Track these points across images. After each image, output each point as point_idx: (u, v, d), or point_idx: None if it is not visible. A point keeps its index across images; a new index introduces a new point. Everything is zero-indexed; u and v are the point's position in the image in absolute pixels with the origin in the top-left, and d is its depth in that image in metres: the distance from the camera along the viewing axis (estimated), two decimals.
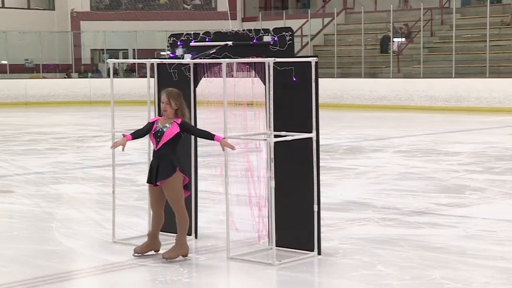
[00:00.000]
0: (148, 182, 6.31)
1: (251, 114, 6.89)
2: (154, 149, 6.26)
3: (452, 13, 27.16)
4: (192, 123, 6.94)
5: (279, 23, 27.91)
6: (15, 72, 31.20)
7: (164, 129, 6.21)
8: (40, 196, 9.54)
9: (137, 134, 6.30)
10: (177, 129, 6.18)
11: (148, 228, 6.73)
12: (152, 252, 6.46)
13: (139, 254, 6.40)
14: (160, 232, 7.13)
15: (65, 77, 31.80)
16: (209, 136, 6.18)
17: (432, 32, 28.43)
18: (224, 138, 6.09)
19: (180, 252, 6.28)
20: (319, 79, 6.39)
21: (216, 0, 35.15)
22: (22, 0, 35.30)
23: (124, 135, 6.22)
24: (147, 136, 6.47)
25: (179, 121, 6.22)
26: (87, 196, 9.67)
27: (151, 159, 6.33)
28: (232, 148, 6.09)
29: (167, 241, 6.82)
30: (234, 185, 6.90)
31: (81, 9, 34.29)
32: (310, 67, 6.29)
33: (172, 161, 6.18)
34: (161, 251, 6.49)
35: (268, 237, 6.62)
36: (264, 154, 6.62)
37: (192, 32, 7.00)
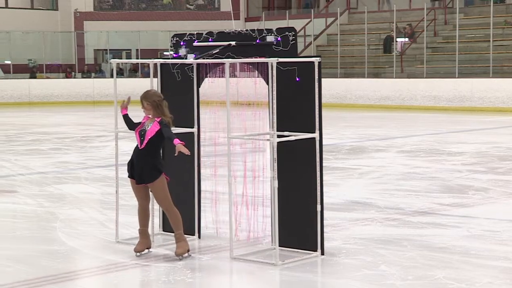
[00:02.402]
0: (130, 177, 6.36)
1: (254, 114, 6.89)
2: (138, 147, 6.29)
3: (456, 13, 27.13)
4: (195, 123, 6.96)
5: (282, 23, 27.91)
6: (18, 72, 31.22)
7: (147, 128, 6.29)
8: (43, 196, 9.55)
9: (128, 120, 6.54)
10: (157, 127, 6.24)
11: (151, 227, 6.71)
12: (147, 251, 6.48)
13: (140, 253, 6.43)
14: (163, 232, 7.15)
15: (64, 77, 31.76)
16: (171, 139, 6.19)
17: (436, 32, 28.40)
18: (181, 142, 6.10)
19: (186, 247, 6.35)
20: (322, 79, 6.39)
21: (219, 0, 35.14)
22: (26, 0, 35.34)
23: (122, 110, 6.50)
24: None
25: (159, 119, 6.27)
26: (90, 196, 9.68)
27: (132, 154, 6.35)
28: (187, 153, 6.10)
29: (168, 241, 6.82)
30: (238, 185, 6.90)
31: (84, 9, 34.31)
32: (313, 67, 6.29)
33: (156, 165, 6.26)
34: (162, 250, 6.49)
35: (272, 237, 6.62)
36: (268, 154, 6.62)
37: (195, 32, 7.00)
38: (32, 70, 31.58)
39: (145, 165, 6.25)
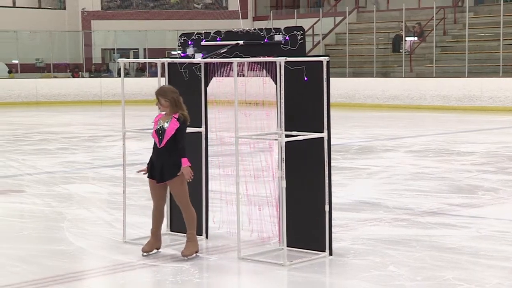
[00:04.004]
0: (149, 177, 6.31)
1: (262, 114, 6.86)
2: (157, 146, 6.25)
3: (465, 12, 27.03)
4: (203, 123, 6.92)
5: (291, 22, 27.87)
6: (26, 72, 31.29)
7: (165, 126, 6.23)
8: (50, 196, 9.54)
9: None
10: (176, 124, 6.18)
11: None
12: (155, 251, 6.45)
13: (148, 253, 6.40)
14: (171, 232, 7.12)
15: (70, 77, 31.79)
16: (181, 154, 6.18)
17: (445, 31, 28.30)
18: (188, 165, 6.11)
19: (195, 248, 6.32)
20: (331, 79, 6.34)
21: None
22: (33, 0, 35.41)
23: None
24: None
25: (177, 115, 6.22)
26: (97, 196, 9.66)
27: (152, 154, 6.32)
28: (189, 178, 6.14)
29: (176, 241, 6.80)
30: (245, 185, 6.87)
31: (92, 9, 34.35)
32: (321, 67, 6.24)
33: (176, 161, 6.20)
34: (170, 250, 6.47)
35: (279, 237, 6.58)
36: (275, 154, 6.58)
37: (203, 31, 6.97)
38: (72, 70, 31.73)
39: (165, 163, 6.19)
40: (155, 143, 6.30)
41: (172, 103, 6.21)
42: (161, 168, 6.21)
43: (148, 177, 6.35)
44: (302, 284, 5.70)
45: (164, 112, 6.28)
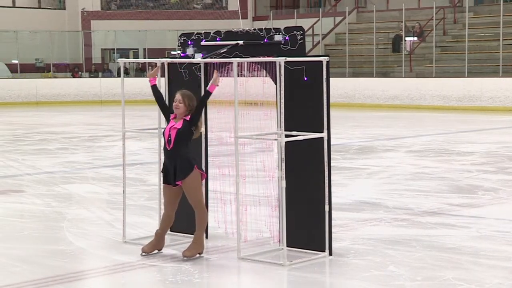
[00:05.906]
0: (165, 183, 6.29)
1: (262, 114, 6.86)
2: (166, 148, 6.24)
3: (465, 12, 27.02)
4: (203, 123, 6.91)
5: (291, 22, 27.87)
6: (26, 72, 31.28)
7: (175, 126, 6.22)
8: (50, 196, 9.54)
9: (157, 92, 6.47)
10: (181, 123, 6.16)
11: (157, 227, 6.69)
12: (156, 251, 6.45)
13: (147, 254, 6.39)
14: (170, 233, 7.12)
15: (69, 77, 31.78)
16: (206, 95, 6.26)
17: (445, 31, 28.30)
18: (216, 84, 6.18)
19: (198, 250, 6.32)
20: (331, 79, 6.34)
21: None
22: (33, 0, 35.41)
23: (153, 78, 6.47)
24: (157, 135, 6.48)
25: (188, 118, 6.21)
26: (97, 196, 9.66)
27: (164, 159, 6.31)
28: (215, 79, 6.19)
29: (176, 241, 6.80)
30: (245, 185, 6.86)
31: (91, 9, 34.36)
32: (321, 67, 6.24)
33: (189, 159, 6.21)
34: (170, 250, 6.47)
35: (279, 238, 6.58)
36: (275, 154, 6.58)
37: (203, 31, 6.97)
38: (73, 70, 31.77)
39: (177, 163, 6.18)
40: (164, 147, 6.27)
41: (189, 109, 6.21)
42: (174, 169, 6.20)
43: (163, 182, 6.34)
44: (302, 284, 5.70)
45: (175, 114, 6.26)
